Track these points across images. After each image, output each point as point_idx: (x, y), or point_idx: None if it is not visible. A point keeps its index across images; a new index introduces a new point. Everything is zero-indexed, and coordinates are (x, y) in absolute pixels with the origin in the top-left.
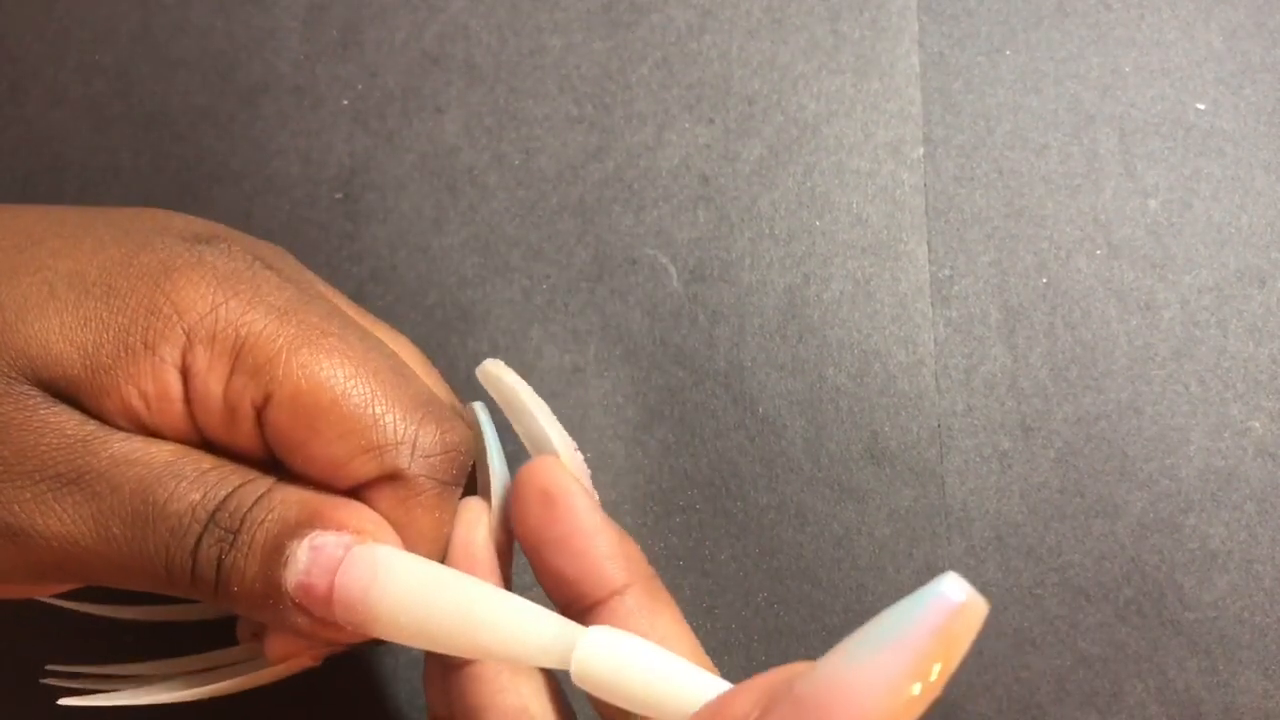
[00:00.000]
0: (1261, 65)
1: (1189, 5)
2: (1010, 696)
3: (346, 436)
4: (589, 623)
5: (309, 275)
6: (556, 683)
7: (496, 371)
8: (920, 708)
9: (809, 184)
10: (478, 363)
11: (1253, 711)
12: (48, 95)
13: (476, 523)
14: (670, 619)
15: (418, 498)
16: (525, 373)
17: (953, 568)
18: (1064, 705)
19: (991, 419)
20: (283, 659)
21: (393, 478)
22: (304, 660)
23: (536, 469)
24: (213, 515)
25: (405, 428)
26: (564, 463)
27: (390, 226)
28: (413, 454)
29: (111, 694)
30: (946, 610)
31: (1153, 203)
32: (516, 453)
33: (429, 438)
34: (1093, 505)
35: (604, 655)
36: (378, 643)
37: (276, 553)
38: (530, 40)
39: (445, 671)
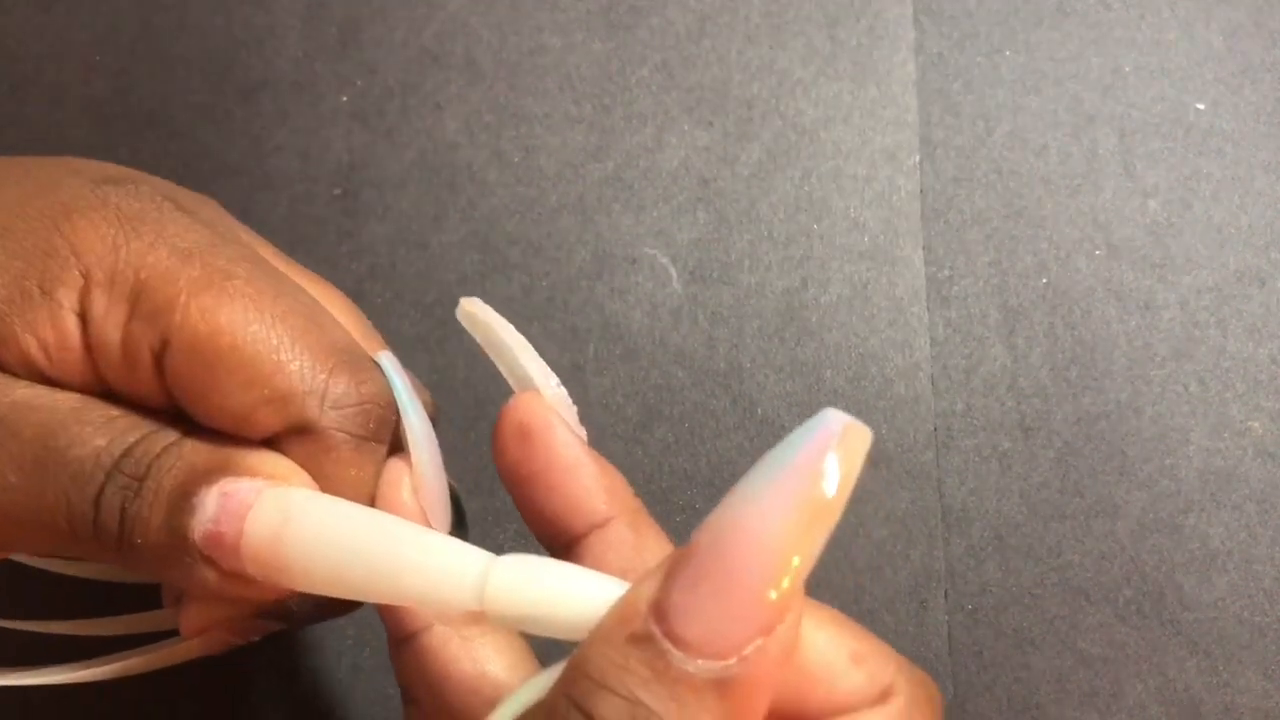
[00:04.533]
0: (1261, 65)
1: (1189, 5)
2: (1010, 696)
3: (248, 385)
4: (571, 560)
5: (230, 221)
6: (522, 640)
7: (473, 309)
8: (818, 535)
9: (806, 188)
10: (477, 361)
11: (1252, 712)
12: (48, 95)
13: (398, 483)
14: (658, 551)
15: (331, 453)
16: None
17: (953, 568)
18: (1064, 705)
19: (991, 419)
20: (198, 631)
21: (302, 431)
22: (224, 635)
23: (515, 405)
24: (118, 462)
25: (314, 376)
26: (544, 398)
27: (389, 223)
28: (323, 405)
29: (13, 674)
30: (832, 433)
31: (1152, 203)
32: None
33: (341, 388)
34: (1092, 505)
35: (512, 585)
36: (311, 617)
37: (183, 500)
38: (530, 39)
39: (396, 648)
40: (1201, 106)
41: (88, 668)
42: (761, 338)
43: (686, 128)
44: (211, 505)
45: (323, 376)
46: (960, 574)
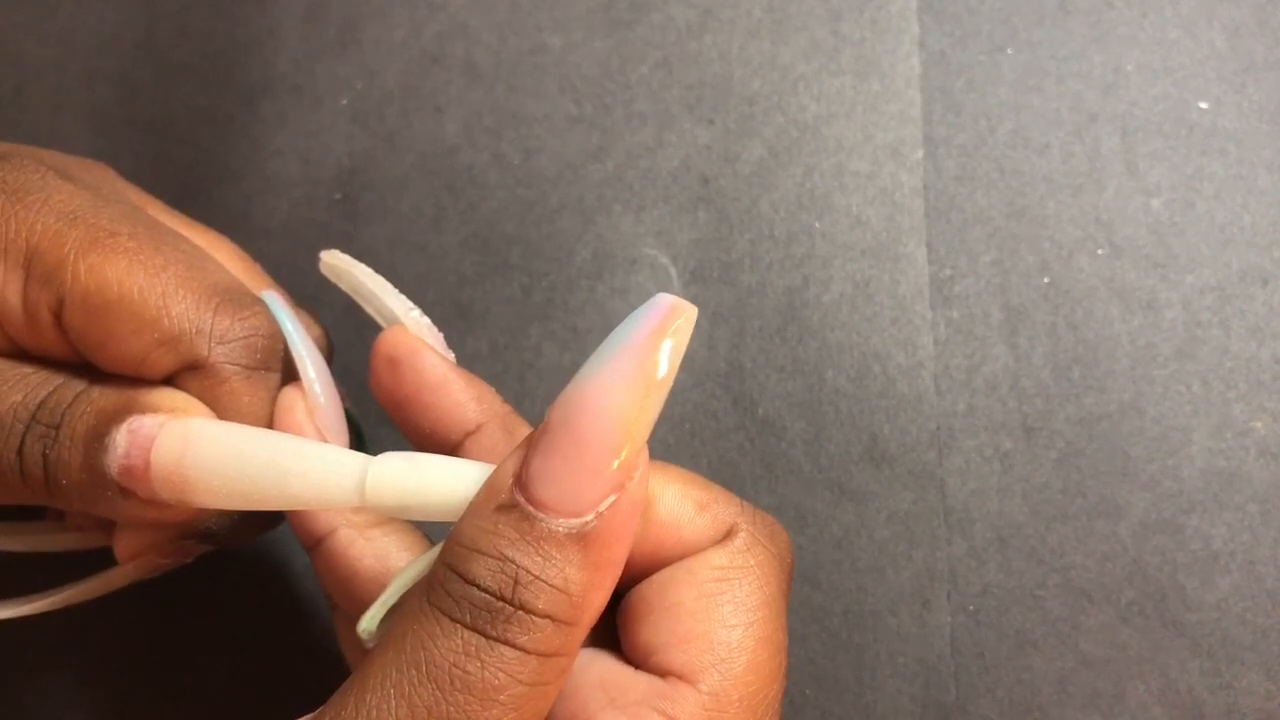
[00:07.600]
0: (1264, 64)
1: (1192, 4)
2: (1012, 698)
3: (139, 331)
4: None
5: (118, 184)
6: (424, 537)
7: (333, 261)
8: (653, 406)
9: (809, 185)
10: (478, 361)
11: (1255, 713)
12: (50, 101)
13: (292, 407)
14: None
15: (223, 384)
16: (524, 370)
17: (954, 569)
18: (1066, 707)
19: (993, 419)
20: (131, 556)
21: (195, 367)
22: (157, 558)
23: (382, 339)
24: (34, 414)
25: (198, 316)
26: (408, 329)
27: (389, 226)
28: (209, 342)
29: None
30: (662, 314)
31: (1155, 202)
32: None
33: (224, 324)
34: (1095, 506)
35: (389, 478)
36: (233, 536)
37: (97, 441)
38: (530, 39)
39: (313, 557)
40: (1204, 105)
41: (32, 601)
42: (762, 337)
43: (687, 126)
44: (122, 442)
45: (207, 316)
46: (962, 575)
